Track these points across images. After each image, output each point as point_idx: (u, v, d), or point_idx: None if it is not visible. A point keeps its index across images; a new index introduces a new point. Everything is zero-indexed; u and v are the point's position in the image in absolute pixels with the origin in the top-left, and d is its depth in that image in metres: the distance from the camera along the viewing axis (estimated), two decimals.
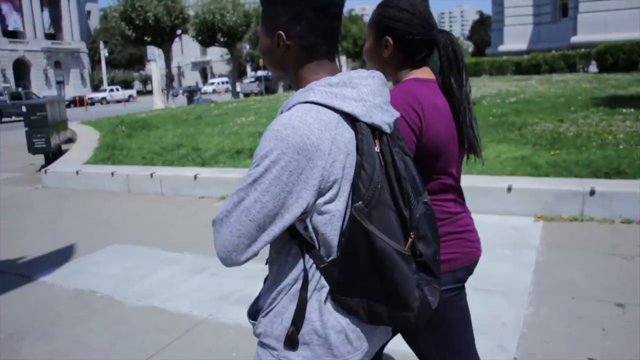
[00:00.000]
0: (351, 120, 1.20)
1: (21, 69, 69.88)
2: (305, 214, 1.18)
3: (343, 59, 67.19)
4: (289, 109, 1.20)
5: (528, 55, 22.09)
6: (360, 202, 1.16)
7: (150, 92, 55.77)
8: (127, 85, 74.88)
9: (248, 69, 75.02)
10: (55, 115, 11.92)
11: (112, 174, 8.65)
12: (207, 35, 30.65)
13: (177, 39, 30.63)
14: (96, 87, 75.19)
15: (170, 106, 24.85)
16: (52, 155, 11.58)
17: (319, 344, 1.23)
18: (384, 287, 1.20)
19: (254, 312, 1.37)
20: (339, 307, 1.23)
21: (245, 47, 60.40)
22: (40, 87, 68.41)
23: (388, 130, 1.23)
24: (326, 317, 1.23)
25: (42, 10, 72.32)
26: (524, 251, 4.74)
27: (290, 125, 1.14)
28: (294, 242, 1.23)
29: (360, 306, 1.22)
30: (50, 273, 5.04)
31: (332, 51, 1.29)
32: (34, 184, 9.71)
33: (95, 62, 77.90)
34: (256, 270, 4.07)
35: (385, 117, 1.23)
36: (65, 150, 12.11)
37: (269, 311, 1.29)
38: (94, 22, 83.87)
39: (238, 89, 40.06)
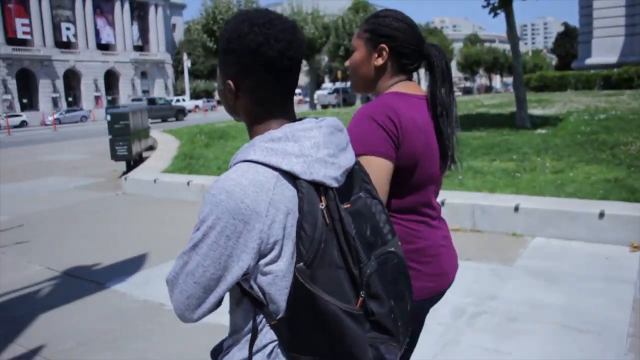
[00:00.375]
0: (292, 177, 1.15)
1: (111, 78, 73.67)
2: (248, 275, 1.17)
3: (422, 72, 66.28)
4: (233, 166, 1.19)
5: (619, 68, 20.88)
6: (301, 264, 1.13)
7: None
8: (208, 95, 77.23)
9: (326, 79, 75.63)
10: (137, 123, 12.30)
11: (188, 183, 8.77)
12: None
13: None
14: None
15: None
16: (133, 162, 11.95)
17: None
18: (333, 347, 1.16)
19: (215, 351, 1.37)
20: None
21: (324, 59, 60.92)
22: (127, 96, 71.70)
23: (334, 184, 1.17)
24: None
25: (132, 24, 76.08)
26: (619, 285, 4.30)
27: (225, 189, 1.13)
28: (246, 297, 1.22)
29: None
30: (122, 281, 5.08)
31: (286, 102, 1.26)
32: (115, 190, 10.02)
33: (178, 73, 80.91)
34: None
35: (329, 171, 1.17)
36: (146, 158, 12.48)
37: (224, 356, 1.29)
38: (178, 35, 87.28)
39: (315, 100, 40.35)
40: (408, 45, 1.70)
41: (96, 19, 72.60)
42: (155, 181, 9.28)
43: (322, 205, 1.15)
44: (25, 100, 64.53)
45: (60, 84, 67.88)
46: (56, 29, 68.06)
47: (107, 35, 74.12)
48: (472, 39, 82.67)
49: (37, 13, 65.98)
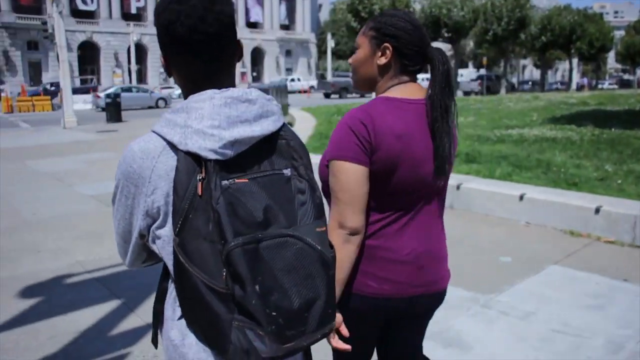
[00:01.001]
0: (176, 148, 1.19)
1: (257, 56, 76.65)
2: (145, 237, 1.28)
3: (575, 61, 61.64)
4: None
5: None
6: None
7: None
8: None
9: (470, 66, 72.79)
10: (277, 100, 12.46)
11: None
12: (431, 30, 29.98)
13: None
14: (321, 76, 79.39)
15: None
16: None
17: (169, 350, 1.29)
18: (202, 320, 1.19)
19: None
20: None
21: (469, 44, 58.53)
22: (271, 74, 74.32)
23: (211, 156, 1.16)
24: (172, 329, 1.28)
25: (280, 4, 78.36)
26: None
27: (123, 154, 1.25)
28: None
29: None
30: None
31: (212, 76, 1.27)
32: None
33: (321, 53, 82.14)
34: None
35: (207, 143, 1.16)
36: None
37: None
38: (324, 15, 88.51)
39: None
40: (412, 47, 1.71)
41: None
42: None
43: (200, 176, 1.16)
44: None
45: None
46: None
47: (255, 14, 77.00)
48: (637, 27, 74.77)
49: None
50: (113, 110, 21.27)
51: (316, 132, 12.36)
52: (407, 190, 1.70)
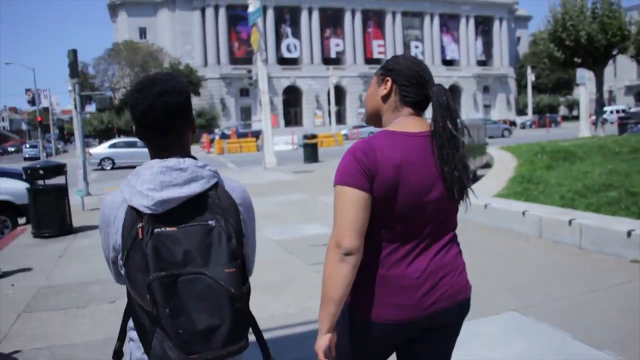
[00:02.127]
0: None
1: (453, 93, 74.05)
2: (116, 263, 1.70)
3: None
4: None
5: None
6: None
7: (576, 118, 52.38)
8: (552, 109, 72.71)
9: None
10: (473, 139, 11.56)
11: (523, 213, 7.54)
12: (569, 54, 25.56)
13: (611, 60, 27.29)
14: (520, 112, 75.54)
15: (598, 134, 22.29)
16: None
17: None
18: (137, 329, 1.63)
19: None
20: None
21: None
22: (468, 111, 72.59)
23: (146, 211, 1.56)
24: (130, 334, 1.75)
25: (475, 40, 76.73)
26: None
27: (102, 202, 1.75)
28: None
29: None
30: None
31: (160, 146, 1.69)
32: None
33: (521, 87, 78.34)
34: None
35: (144, 201, 1.57)
36: (480, 177, 11.62)
37: None
38: (522, 48, 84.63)
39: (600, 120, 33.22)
40: (409, 79, 1.90)
41: (442, 37, 75.44)
42: (485, 206, 8.31)
43: (140, 224, 1.56)
44: None
45: None
46: (406, 48, 72.97)
47: (451, 51, 76.39)
48: None
49: (391, 34, 71.78)
50: (310, 150, 21.95)
51: (517, 173, 11.12)
52: (410, 216, 1.81)
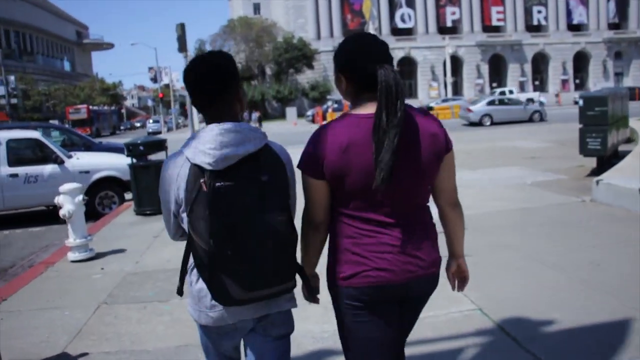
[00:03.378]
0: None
1: (580, 61, 69.74)
2: (177, 217, 1.98)
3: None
4: None
5: None
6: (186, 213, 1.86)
7: None
8: None
9: None
10: (616, 111, 9.89)
11: None
12: None
13: None
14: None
15: None
16: (607, 158, 9.64)
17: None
18: (199, 267, 1.86)
19: None
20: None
21: None
22: (597, 79, 66.95)
23: (208, 167, 1.78)
24: (190, 275, 2.00)
25: (607, 1, 69.98)
26: None
27: (163, 163, 2.02)
28: None
29: None
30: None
31: (208, 112, 1.94)
32: (580, 195, 7.98)
33: None
34: None
35: (206, 158, 1.79)
36: (622, 154, 9.98)
37: None
38: None
39: None
40: (351, 66, 1.98)
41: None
42: (639, 190, 6.87)
43: (202, 180, 1.77)
44: (494, 84, 67.09)
45: (528, 67, 67.99)
46: (527, 13, 68.22)
47: (579, 15, 70.23)
48: None
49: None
50: None
51: None
52: (363, 194, 1.94)
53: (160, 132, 52.34)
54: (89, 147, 13.30)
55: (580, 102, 9.42)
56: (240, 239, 1.73)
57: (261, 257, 1.76)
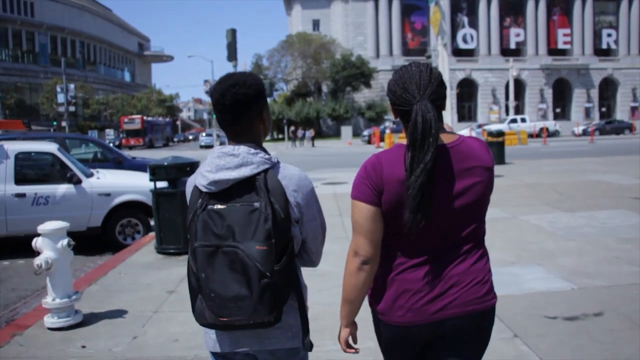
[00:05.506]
0: None
1: (608, 88, 65.37)
2: None
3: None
4: None
5: None
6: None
7: None
8: None
9: None
10: None
11: None
12: None
13: None
14: None
15: None
16: None
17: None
18: (189, 286, 1.93)
19: None
20: None
21: None
22: None
23: (204, 190, 1.85)
24: None
25: None
26: None
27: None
28: None
29: None
30: None
31: (228, 131, 1.96)
32: None
33: None
34: None
35: (201, 180, 1.87)
36: None
37: None
38: None
39: None
40: (397, 106, 1.96)
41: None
42: None
43: (200, 200, 1.85)
44: (558, 110, 63.85)
45: (594, 93, 64.38)
46: (596, 36, 64.80)
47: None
48: None
49: (579, 21, 64.02)
50: (495, 150, 18.54)
51: None
52: (415, 231, 1.87)
53: (212, 146, 51.67)
54: (120, 163, 11.88)
55: None
56: (216, 263, 1.78)
57: (232, 285, 1.77)
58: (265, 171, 1.85)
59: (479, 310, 1.95)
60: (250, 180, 1.82)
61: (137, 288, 5.67)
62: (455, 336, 1.96)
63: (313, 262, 2.03)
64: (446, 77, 18.09)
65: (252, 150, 1.87)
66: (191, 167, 7.17)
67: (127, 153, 16.11)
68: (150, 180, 7.14)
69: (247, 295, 1.74)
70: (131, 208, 8.47)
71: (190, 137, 78.93)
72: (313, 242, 1.99)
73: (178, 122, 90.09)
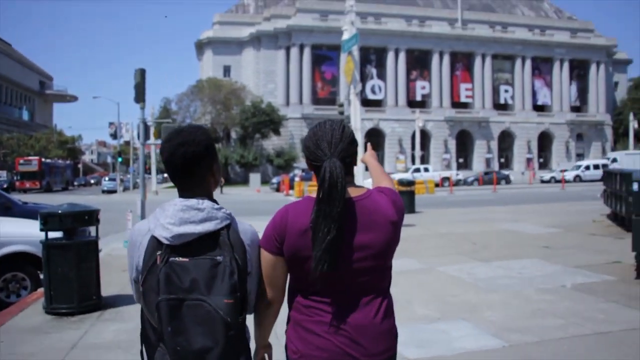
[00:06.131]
0: None
1: (544, 140, 70.45)
2: (138, 283, 1.94)
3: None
4: None
5: None
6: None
7: None
8: None
9: None
10: None
11: None
12: None
13: None
14: (614, 161, 68.92)
15: None
16: None
17: None
18: (145, 341, 1.97)
19: None
20: None
21: None
22: (560, 159, 67.70)
23: (165, 242, 1.83)
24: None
25: (570, 85, 71.82)
26: None
27: (132, 229, 2.07)
28: None
29: None
30: None
31: (181, 186, 1.98)
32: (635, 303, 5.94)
33: (618, 135, 72.17)
34: None
35: (163, 232, 1.85)
36: None
37: None
38: (620, 93, 78.54)
39: None
40: (309, 154, 2.07)
41: (534, 81, 71.04)
42: None
43: (159, 252, 1.83)
44: (461, 160, 66.84)
45: (494, 144, 68.20)
46: (495, 92, 69.17)
47: (543, 96, 71.84)
48: None
49: (480, 77, 68.15)
50: (406, 199, 18.74)
51: None
52: (320, 279, 1.95)
53: (115, 191, 49.38)
54: (8, 208, 10.76)
55: (635, 186, 7.57)
56: (181, 317, 1.77)
57: (198, 337, 1.77)
58: (227, 226, 1.90)
59: None
60: (213, 234, 1.86)
61: (18, 356, 4.83)
62: None
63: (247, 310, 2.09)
64: (358, 126, 18.23)
65: (216, 206, 1.92)
66: (89, 215, 6.46)
67: (18, 198, 14.71)
68: (41, 230, 6.31)
69: (214, 347, 1.76)
70: (17, 261, 7.51)
71: (92, 181, 75.34)
72: (254, 292, 2.04)
73: (79, 165, 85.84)
